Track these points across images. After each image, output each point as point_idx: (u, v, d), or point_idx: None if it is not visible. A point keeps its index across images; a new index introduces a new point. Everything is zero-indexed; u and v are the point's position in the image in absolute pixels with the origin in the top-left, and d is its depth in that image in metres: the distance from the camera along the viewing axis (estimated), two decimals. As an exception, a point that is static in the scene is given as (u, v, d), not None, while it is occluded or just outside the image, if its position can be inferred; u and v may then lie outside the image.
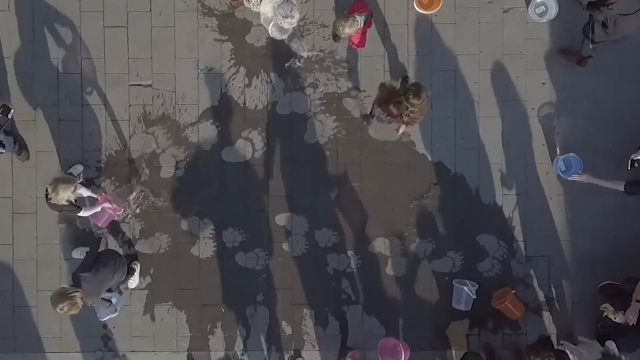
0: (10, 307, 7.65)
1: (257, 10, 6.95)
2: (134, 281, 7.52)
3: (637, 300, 6.83)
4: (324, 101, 7.67)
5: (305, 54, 7.57)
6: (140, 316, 7.68)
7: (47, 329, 7.67)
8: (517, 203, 7.66)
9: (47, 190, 6.61)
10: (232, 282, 7.68)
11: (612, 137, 7.60)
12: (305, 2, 7.60)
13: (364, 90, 7.66)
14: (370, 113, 7.31)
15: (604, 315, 7.03)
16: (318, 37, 7.64)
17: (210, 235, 7.68)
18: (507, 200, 7.67)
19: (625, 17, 6.59)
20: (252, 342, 7.70)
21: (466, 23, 7.65)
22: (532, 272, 7.68)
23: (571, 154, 7.41)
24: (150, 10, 7.65)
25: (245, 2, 6.99)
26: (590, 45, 7.04)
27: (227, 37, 7.67)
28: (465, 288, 7.46)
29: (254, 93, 7.67)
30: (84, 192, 7.10)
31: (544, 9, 7.55)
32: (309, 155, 7.67)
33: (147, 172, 7.62)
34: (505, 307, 7.38)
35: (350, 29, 6.63)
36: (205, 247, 7.68)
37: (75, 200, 6.74)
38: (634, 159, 7.15)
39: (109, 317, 7.40)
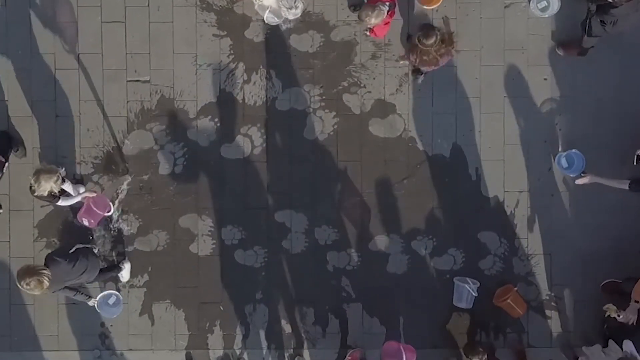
0: (7, 305, 7.61)
1: (260, 2, 6.89)
2: (123, 276, 7.48)
3: (636, 301, 6.79)
4: (324, 97, 7.62)
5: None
6: (138, 314, 7.65)
7: (44, 327, 7.63)
8: (519, 200, 7.62)
9: (30, 182, 6.53)
10: (231, 280, 7.64)
11: (615, 133, 7.55)
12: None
13: (365, 86, 7.61)
14: (414, 71, 7.46)
15: (606, 316, 6.99)
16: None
17: (209, 233, 7.63)
18: (508, 197, 7.63)
19: (626, 17, 6.57)
20: (251, 340, 7.66)
21: (467, 18, 7.61)
22: (533, 270, 7.64)
23: (573, 151, 7.35)
24: (148, 5, 7.60)
25: None
26: (589, 40, 7.01)
27: (225, 33, 7.62)
28: (466, 286, 7.42)
29: (253, 89, 7.63)
30: (69, 189, 7.03)
31: (546, 3, 7.48)
32: (309, 152, 7.63)
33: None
34: (508, 304, 7.35)
35: (377, 19, 6.58)
36: (203, 245, 7.63)
37: (61, 192, 6.64)
38: (640, 154, 7.12)
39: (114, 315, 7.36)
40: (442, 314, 7.60)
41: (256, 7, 7.23)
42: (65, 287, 6.71)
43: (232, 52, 7.62)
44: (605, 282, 7.49)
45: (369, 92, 7.61)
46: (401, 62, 7.51)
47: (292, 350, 7.66)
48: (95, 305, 7.20)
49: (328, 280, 7.65)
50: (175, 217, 7.62)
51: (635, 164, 7.16)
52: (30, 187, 6.57)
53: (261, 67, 7.62)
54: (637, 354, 6.58)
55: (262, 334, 7.66)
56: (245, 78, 7.63)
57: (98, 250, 7.43)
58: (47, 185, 6.50)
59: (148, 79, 7.62)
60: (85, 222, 7.20)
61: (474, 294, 7.41)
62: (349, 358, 7.43)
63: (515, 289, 7.41)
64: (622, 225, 7.58)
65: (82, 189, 7.24)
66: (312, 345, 7.66)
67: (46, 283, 6.24)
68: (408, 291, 7.63)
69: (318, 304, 7.65)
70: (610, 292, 7.39)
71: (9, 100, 7.39)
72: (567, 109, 7.60)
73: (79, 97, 7.59)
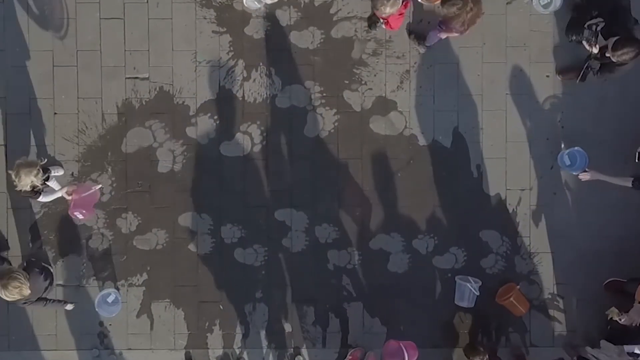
0: (5, 304, 7.51)
1: None
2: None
3: (639, 302, 6.75)
4: (324, 94, 7.57)
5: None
6: (137, 313, 7.61)
7: (42, 326, 7.59)
8: (521, 198, 7.58)
9: (12, 177, 6.48)
10: (230, 279, 7.60)
11: (618, 130, 7.51)
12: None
13: (365, 83, 7.56)
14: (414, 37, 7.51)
15: (609, 319, 7.00)
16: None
17: (209, 231, 7.59)
18: (510, 195, 7.59)
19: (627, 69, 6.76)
20: (251, 339, 7.62)
21: (469, 15, 7.56)
22: (536, 268, 7.60)
23: (576, 148, 7.30)
24: (147, 1, 7.56)
25: None
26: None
27: (225, 29, 7.58)
28: (468, 285, 7.38)
29: (253, 86, 7.58)
30: (54, 186, 6.97)
31: (549, 0, 7.44)
32: (309, 150, 7.59)
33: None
34: (510, 303, 7.32)
35: (392, 8, 6.44)
36: (203, 243, 7.59)
37: (43, 185, 6.57)
38: (642, 151, 7.10)
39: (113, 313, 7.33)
40: (444, 314, 7.56)
41: None
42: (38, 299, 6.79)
43: (231, 48, 7.58)
44: (608, 280, 7.45)
45: (370, 89, 7.57)
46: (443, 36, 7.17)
47: (292, 349, 7.62)
48: (95, 305, 7.20)
49: (328, 279, 7.60)
50: (174, 216, 7.58)
51: (637, 161, 7.16)
52: (13, 182, 6.50)
53: (261, 64, 7.57)
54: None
55: (262, 333, 7.62)
56: (245, 75, 7.58)
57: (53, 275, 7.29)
58: (28, 180, 6.42)
59: (147, 76, 7.57)
60: (80, 216, 7.12)
61: (475, 292, 7.37)
62: (350, 357, 7.42)
63: (518, 287, 7.38)
64: (624, 224, 7.54)
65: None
66: (312, 344, 7.62)
67: (26, 292, 6.29)
68: (409, 290, 7.59)
69: (318, 303, 7.61)
70: (614, 291, 7.37)
71: (7, 97, 7.33)
72: (570, 107, 7.56)
73: (78, 94, 7.54)
